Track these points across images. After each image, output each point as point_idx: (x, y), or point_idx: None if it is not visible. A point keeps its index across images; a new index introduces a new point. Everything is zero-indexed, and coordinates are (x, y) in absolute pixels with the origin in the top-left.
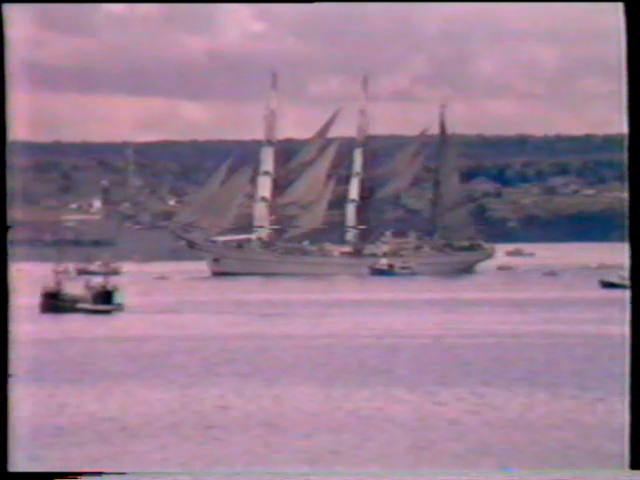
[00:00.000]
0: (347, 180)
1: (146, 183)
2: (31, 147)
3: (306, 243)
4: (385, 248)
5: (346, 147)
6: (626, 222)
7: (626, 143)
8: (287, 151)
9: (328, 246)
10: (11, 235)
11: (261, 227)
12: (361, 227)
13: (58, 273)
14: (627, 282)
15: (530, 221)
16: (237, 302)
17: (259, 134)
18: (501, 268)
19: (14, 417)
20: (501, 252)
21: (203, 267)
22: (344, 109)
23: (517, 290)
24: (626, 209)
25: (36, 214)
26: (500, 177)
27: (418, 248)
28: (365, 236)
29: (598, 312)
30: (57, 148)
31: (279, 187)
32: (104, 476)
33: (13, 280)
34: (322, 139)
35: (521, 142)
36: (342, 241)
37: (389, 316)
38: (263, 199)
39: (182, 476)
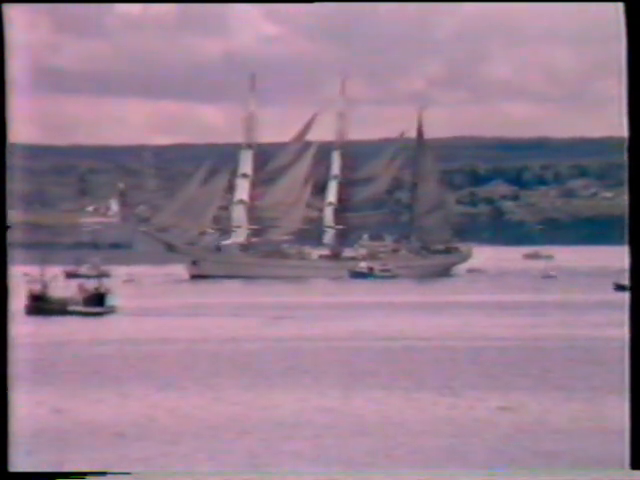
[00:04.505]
0: (325, 183)
1: (162, 186)
2: (48, 150)
3: (285, 246)
4: (363, 251)
5: (325, 150)
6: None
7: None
8: (266, 154)
9: (307, 249)
10: (28, 238)
11: (238, 227)
12: (339, 227)
13: (42, 276)
14: None
15: (548, 224)
16: (229, 305)
17: (278, 136)
18: (470, 271)
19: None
20: (519, 254)
21: (181, 270)
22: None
23: (512, 293)
24: None
25: (53, 217)
26: (518, 180)
27: (395, 251)
28: (343, 239)
29: (599, 315)
30: (74, 151)
31: (257, 189)
32: (109, 476)
33: (12, 281)
34: (301, 142)
35: (540, 145)
36: (320, 244)
37: (385, 318)
38: (241, 201)
39: (185, 476)
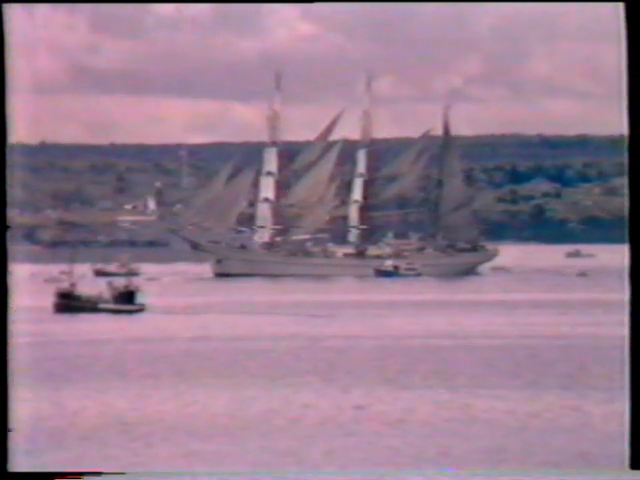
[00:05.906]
0: (351, 181)
1: (199, 184)
2: (87, 149)
3: (309, 244)
4: (388, 249)
5: (351, 148)
6: None
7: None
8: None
9: (331, 247)
10: (66, 237)
11: (262, 227)
12: (363, 227)
13: (69, 274)
14: None
15: (591, 222)
16: (258, 303)
17: (310, 134)
18: (495, 269)
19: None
20: (562, 253)
21: (206, 268)
22: (373, 111)
23: (545, 292)
24: None
25: (92, 216)
26: (560, 177)
27: (421, 249)
28: (368, 237)
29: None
30: (112, 150)
31: (282, 188)
32: (104, 476)
33: (13, 280)
34: (326, 140)
35: (582, 142)
36: (344, 242)
37: (420, 317)
38: (266, 200)
39: (182, 476)
